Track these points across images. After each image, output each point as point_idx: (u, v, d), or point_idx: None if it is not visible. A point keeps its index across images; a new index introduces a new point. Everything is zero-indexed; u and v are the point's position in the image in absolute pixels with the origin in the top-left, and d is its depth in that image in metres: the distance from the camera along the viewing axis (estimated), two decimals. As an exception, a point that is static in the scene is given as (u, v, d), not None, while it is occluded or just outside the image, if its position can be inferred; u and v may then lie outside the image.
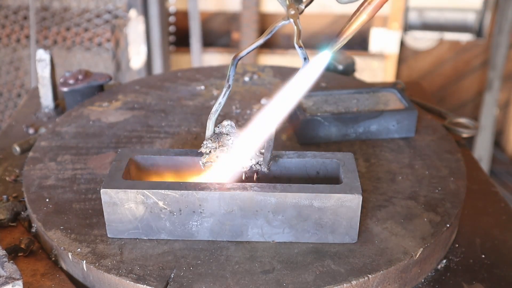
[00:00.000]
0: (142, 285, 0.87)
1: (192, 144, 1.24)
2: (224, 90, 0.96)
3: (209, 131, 0.98)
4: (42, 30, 2.90)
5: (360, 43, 3.45)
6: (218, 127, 0.97)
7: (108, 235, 0.96)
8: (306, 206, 0.92)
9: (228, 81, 0.95)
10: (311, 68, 0.86)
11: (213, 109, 0.97)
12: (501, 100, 3.52)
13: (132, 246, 0.94)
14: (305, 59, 0.89)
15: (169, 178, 1.01)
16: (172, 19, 3.25)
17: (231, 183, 0.94)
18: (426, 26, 3.40)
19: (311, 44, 3.49)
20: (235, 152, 0.95)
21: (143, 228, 0.94)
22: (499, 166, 3.53)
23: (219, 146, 0.97)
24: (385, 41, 3.32)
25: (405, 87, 1.60)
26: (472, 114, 3.56)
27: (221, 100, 0.96)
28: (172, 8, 3.26)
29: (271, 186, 0.92)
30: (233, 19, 3.41)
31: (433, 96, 3.47)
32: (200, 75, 1.58)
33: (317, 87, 1.49)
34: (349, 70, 1.67)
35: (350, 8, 3.03)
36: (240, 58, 0.95)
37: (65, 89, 1.45)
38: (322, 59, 0.85)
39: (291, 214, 0.92)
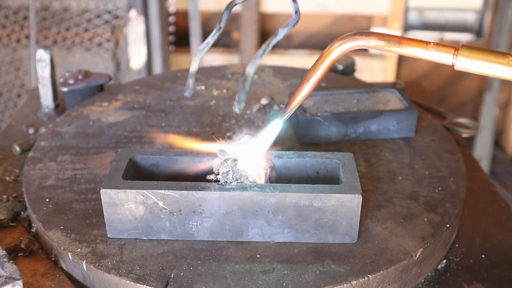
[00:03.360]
0: (142, 285, 0.87)
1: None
2: (214, 31, 1.00)
3: (193, 67, 1.02)
4: (42, 30, 2.90)
5: (360, 43, 3.45)
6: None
7: (108, 235, 0.96)
8: (306, 206, 0.92)
9: (219, 23, 1.00)
10: (266, 135, 0.95)
11: (201, 47, 1.01)
12: (501, 100, 3.51)
13: (132, 246, 0.94)
14: (296, 12, 0.94)
15: (169, 178, 1.01)
16: (172, 19, 3.25)
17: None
18: (426, 26, 3.40)
19: (311, 44, 3.49)
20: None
21: (143, 228, 0.94)
22: (499, 166, 3.53)
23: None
24: (385, 41, 3.31)
25: (405, 87, 1.60)
26: (472, 114, 3.56)
27: (210, 39, 1.00)
28: (172, 8, 3.26)
29: (271, 186, 0.92)
30: (233, 19, 3.41)
31: (433, 96, 3.47)
32: (200, 75, 1.58)
33: (317, 87, 1.49)
34: (349, 70, 1.67)
35: (350, 8, 3.00)
36: (235, 5, 0.99)
37: (65, 89, 1.45)
38: (275, 127, 0.95)
39: (291, 214, 0.92)
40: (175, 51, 3.36)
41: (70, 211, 1.03)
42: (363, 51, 3.37)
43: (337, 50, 0.87)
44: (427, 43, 0.84)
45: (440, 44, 0.84)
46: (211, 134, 1.28)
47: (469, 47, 0.83)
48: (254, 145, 0.96)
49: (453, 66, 0.83)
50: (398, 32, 3.28)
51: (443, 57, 0.84)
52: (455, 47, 0.83)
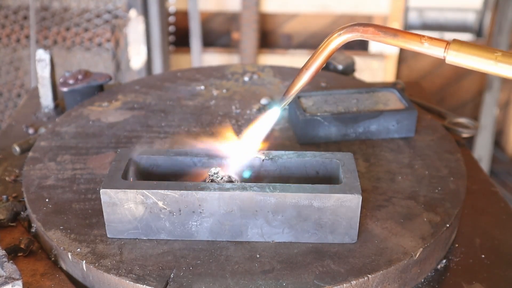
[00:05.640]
0: (141, 285, 0.87)
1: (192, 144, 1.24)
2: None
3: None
4: (42, 30, 2.90)
5: (360, 43, 3.45)
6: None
7: (108, 235, 0.96)
8: (305, 206, 0.92)
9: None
10: (264, 122, 0.99)
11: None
12: (501, 100, 3.51)
13: (132, 246, 0.94)
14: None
15: (169, 178, 1.01)
16: (172, 19, 3.25)
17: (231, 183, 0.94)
18: (426, 26, 3.40)
19: (311, 44, 3.49)
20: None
21: (142, 228, 0.94)
22: (499, 166, 3.53)
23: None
24: (385, 41, 3.31)
25: (405, 87, 1.60)
26: (472, 114, 3.56)
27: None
28: (172, 8, 3.26)
29: (271, 186, 0.92)
30: (233, 19, 3.41)
31: (433, 96, 3.47)
32: (200, 75, 1.58)
33: (317, 87, 1.49)
34: (349, 70, 1.67)
35: (350, 9, 3.00)
36: None
37: (65, 89, 1.45)
38: (273, 114, 0.98)
39: (290, 214, 0.92)
40: (175, 51, 3.36)
41: (70, 211, 1.03)
42: (363, 51, 3.37)
43: (336, 40, 0.90)
44: (421, 36, 0.87)
45: (433, 38, 0.87)
46: (211, 134, 1.28)
47: (460, 41, 0.86)
48: (251, 132, 0.98)
49: (444, 59, 0.87)
50: (398, 32, 3.27)
51: (435, 51, 0.87)
52: (448, 41, 0.87)
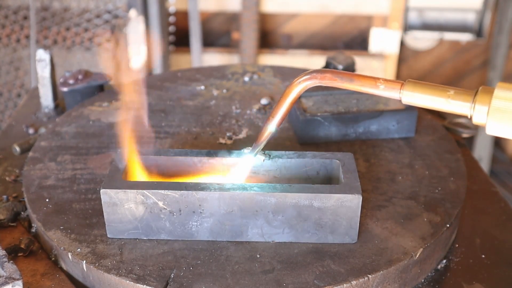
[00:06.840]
0: (142, 285, 0.87)
1: (192, 144, 1.24)
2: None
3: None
4: (42, 30, 2.90)
5: (360, 43, 3.45)
6: None
7: (108, 235, 0.96)
8: (306, 206, 0.92)
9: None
10: (239, 169, 1.00)
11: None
12: (501, 100, 3.50)
13: (132, 246, 0.94)
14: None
15: (169, 178, 1.01)
16: (172, 19, 3.25)
17: (231, 183, 0.94)
18: (426, 26, 3.40)
19: (311, 44, 3.49)
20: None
21: (143, 228, 0.94)
22: (499, 166, 3.53)
23: None
24: (385, 41, 3.31)
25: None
26: (472, 114, 3.55)
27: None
28: (172, 8, 3.26)
29: (271, 186, 0.92)
30: (233, 19, 3.41)
31: (433, 96, 3.45)
32: (200, 75, 1.58)
33: (317, 87, 1.49)
34: (349, 70, 1.67)
35: (350, 8, 3.00)
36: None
37: (65, 89, 1.45)
38: (246, 162, 1.00)
39: (291, 214, 0.92)
40: (175, 51, 3.36)
41: (70, 211, 1.03)
42: (363, 51, 3.37)
43: (296, 89, 0.93)
44: (376, 79, 0.89)
45: (388, 80, 0.88)
46: (211, 134, 1.28)
47: (414, 82, 0.87)
48: (231, 178, 1.00)
49: (400, 100, 0.88)
50: (398, 32, 3.28)
51: (391, 92, 0.88)
52: (402, 82, 0.88)
